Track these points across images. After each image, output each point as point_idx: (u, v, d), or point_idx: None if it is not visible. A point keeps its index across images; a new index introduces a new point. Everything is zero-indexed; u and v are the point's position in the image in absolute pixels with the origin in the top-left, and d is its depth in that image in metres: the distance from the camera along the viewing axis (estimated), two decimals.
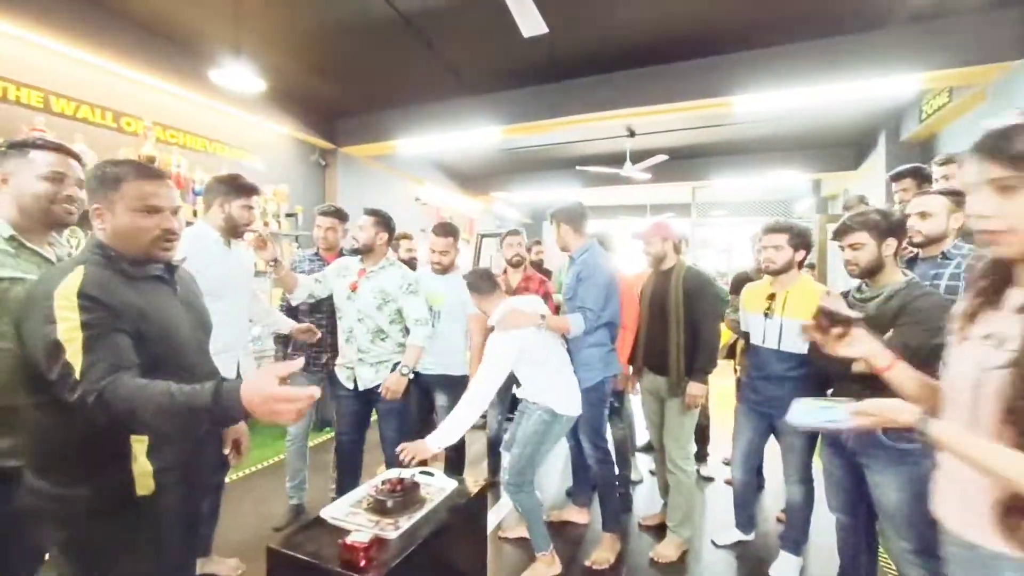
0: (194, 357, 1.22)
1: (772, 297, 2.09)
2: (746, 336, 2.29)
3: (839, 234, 1.71)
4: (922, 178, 2.37)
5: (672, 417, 2.30)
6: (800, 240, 2.04)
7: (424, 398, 2.64)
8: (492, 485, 2.71)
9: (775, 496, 2.87)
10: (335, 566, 1.28)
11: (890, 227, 1.59)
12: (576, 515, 2.64)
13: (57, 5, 2.84)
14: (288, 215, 4.41)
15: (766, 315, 2.09)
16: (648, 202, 9.55)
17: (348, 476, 2.34)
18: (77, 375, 0.93)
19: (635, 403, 2.88)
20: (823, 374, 1.90)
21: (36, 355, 0.98)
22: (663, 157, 5.60)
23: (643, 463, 3.29)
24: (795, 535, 2.13)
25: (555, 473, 3.25)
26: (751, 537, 2.40)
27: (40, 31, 2.78)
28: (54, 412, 1.02)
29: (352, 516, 1.52)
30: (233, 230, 1.96)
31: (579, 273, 2.22)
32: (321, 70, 3.96)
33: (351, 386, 2.28)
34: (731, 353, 3.13)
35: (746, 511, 2.37)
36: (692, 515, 2.36)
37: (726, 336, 2.90)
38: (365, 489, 1.66)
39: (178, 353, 1.15)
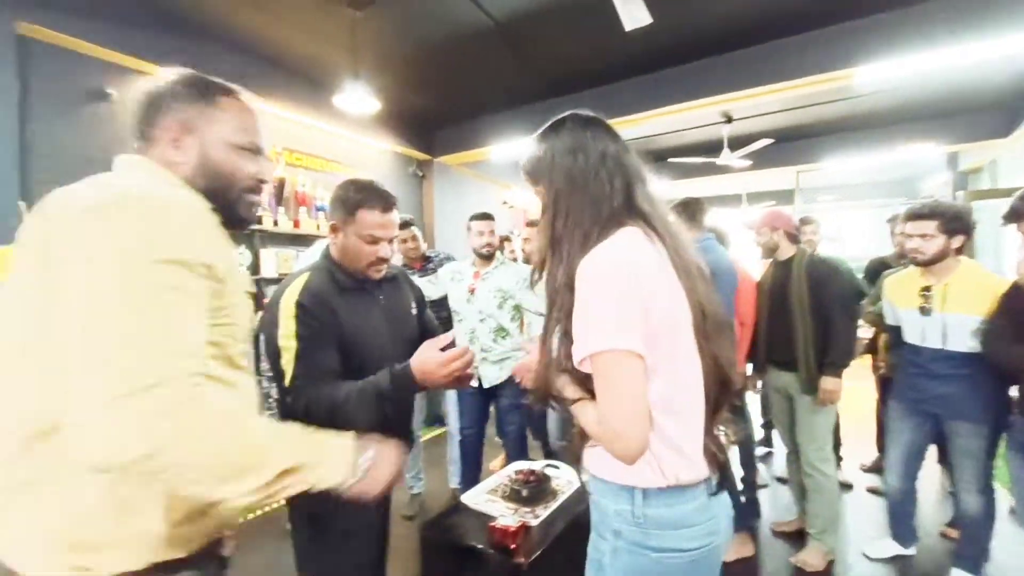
0: (389, 364, 1.26)
1: (927, 290, 1.84)
2: (894, 331, 2.07)
3: (1014, 217, 1.49)
4: None
5: (804, 416, 2.12)
6: (956, 225, 1.77)
7: None
8: None
9: (931, 506, 2.56)
10: (487, 548, 1.36)
11: None
12: None
13: (212, 55, 3.30)
14: None
15: (922, 311, 1.85)
16: (744, 191, 8.93)
17: (471, 468, 2.45)
18: (287, 382, 1.08)
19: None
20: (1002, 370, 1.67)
21: (270, 351, 1.15)
22: (767, 141, 5.22)
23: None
24: (974, 552, 1.87)
25: None
26: (912, 552, 2.14)
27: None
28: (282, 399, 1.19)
29: (490, 504, 1.60)
30: None
31: None
32: (421, 85, 4.20)
33: (475, 384, 2.38)
34: (870, 348, 2.82)
35: (906, 522, 2.11)
36: (836, 522, 2.16)
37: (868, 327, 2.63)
38: (497, 479, 1.73)
39: (373, 360, 1.19)
